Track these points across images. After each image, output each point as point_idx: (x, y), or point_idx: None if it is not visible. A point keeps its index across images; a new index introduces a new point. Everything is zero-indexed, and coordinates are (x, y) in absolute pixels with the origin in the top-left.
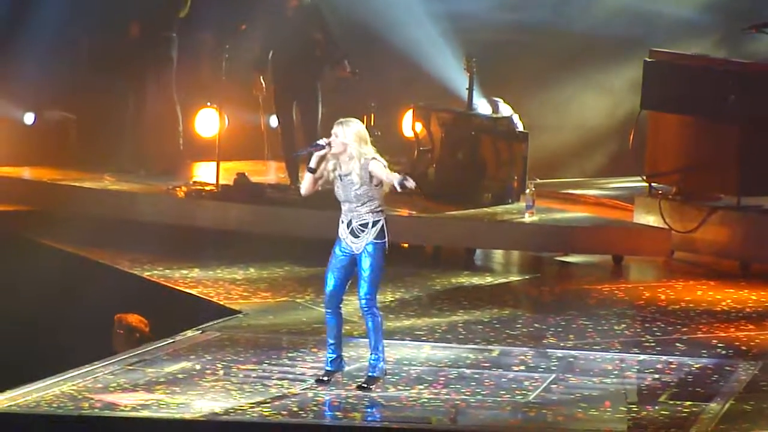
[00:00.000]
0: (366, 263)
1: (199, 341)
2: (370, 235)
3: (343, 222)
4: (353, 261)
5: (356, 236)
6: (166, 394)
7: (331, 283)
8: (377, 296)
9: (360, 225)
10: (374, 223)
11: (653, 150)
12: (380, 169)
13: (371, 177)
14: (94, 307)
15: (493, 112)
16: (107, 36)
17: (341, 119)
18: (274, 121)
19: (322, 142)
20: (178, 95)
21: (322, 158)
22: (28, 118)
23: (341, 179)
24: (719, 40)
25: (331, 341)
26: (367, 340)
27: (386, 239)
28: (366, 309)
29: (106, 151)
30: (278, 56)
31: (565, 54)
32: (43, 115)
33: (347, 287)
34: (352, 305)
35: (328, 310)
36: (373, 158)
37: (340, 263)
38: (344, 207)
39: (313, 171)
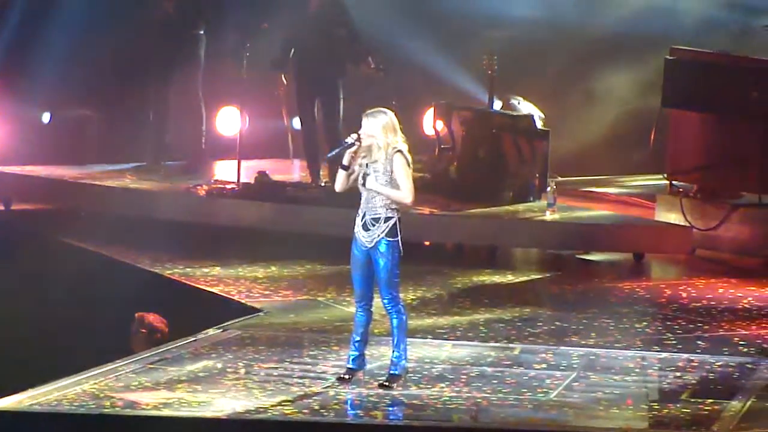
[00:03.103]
0: (381, 263)
1: (221, 340)
2: (381, 230)
3: (358, 215)
4: (370, 259)
5: (367, 229)
6: (188, 392)
7: (356, 282)
8: (400, 294)
9: (372, 218)
10: (386, 219)
11: (674, 148)
12: (400, 167)
13: (392, 168)
14: (115, 306)
15: (510, 111)
16: (132, 34)
17: (369, 111)
18: (297, 122)
19: (350, 139)
20: (202, 93)
21: (354, 154)
22: (45, 116)
23: (368, 167)
24: (740, 38)
25: (357, 338)
26: (388, 338)
27: (399, 238)
28: (389, 308)
29: (127, 149)
30: (300, 54)
31: (585, 52)
32: (62, 114)
33: (375, 284)
34: (375, 303)
35: (357, 309)
36: (399, 151)
37: (359, 262)
38: (363, 198)
39: (345, 168)
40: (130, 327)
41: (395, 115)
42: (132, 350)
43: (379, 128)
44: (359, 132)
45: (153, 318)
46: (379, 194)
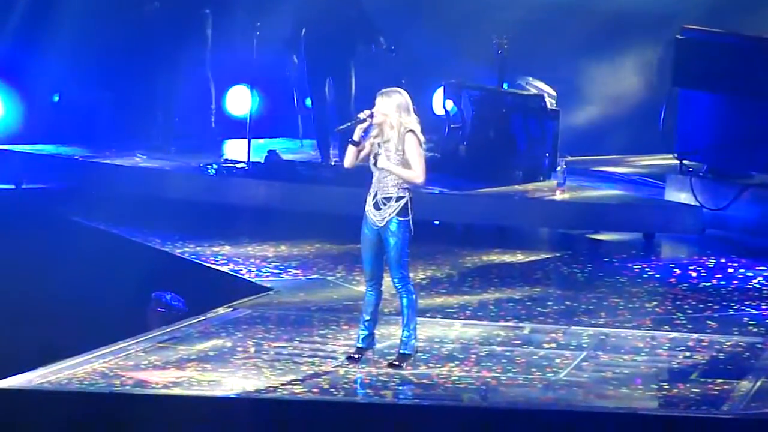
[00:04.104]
0: (391, 242)
1: (230, 318)
2: (392, 209)
3: (370, 194)
4: (380, 238)
5: (378, 209)
6: (198, 371)
7: (367, 262)
8: (410, 274)
9: (384, 198)
10: (398, 198)
11: (685, 127)
12: (412, 147)
13: (404, 148)
14: (125, 285)
15: (520, 91)
16: (139, 14)
17: (383, 90)
18: (308, 102)
19: (363, 114)
20: (211, 73)
21: (364, 130)
22: (56, 96)
23: (380, 146)
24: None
25: (366, 317)
26: (398, 317)
27: (410, 217)
28: (399, 287)
29: (137, 128)
30: (311, 34)
31: (597, 31)
32: (72, 93)
33: (385, 263)
34: (385, 283)
35: (368, 288)
36: (411, 130)
37: (369, 242)
38: (374, 177)
39: (356, 144)
40: (147, 306)
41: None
42: (148, 329)
43: (392, 107)
44: (372, 109)
45: (170, 297)
46: (391, 173)
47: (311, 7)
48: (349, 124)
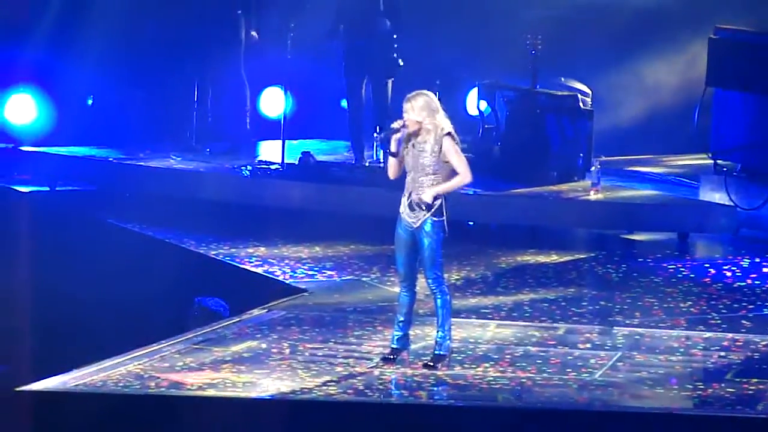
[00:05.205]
0: (426, 243)
1: (265, 320)
2: (427, 210)
3: (404, 195)
4: (414, 239)
5: (413, 210)
6: (233, 373)
7: (400, 262)
8: (444, 274)
9: (419, 198)
10: (434, 199)
11: (719, 127)
12: (452, 150)
13: (441, 149)
14: (160, 287)
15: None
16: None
17: (408, 95)
18: (343, 102)
19: (396, 125)
20: (246, 74)
21: (398, 139)
22: (90, 99)
23: (413, 147)
24: None
25: (401, 318)
26: (433, 318)
27: (444, 217)
28: (434, 288)
29: (171, 130)
30: (349, 32)
31: (630, 31)
32: (106, 96)
33: (419, 265)
34: (419, 283)
35: (402, 289)
36: (449, 133)
37: (403, 242)
38: (408, 177)
39: (394, 154)
40: (189, 311)
41: (437, 96)
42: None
43: (423, 112)
44: (404, 119)
45: (213, 302)
46: (427, 176)
47: (350, 4)
48: (382, 134)
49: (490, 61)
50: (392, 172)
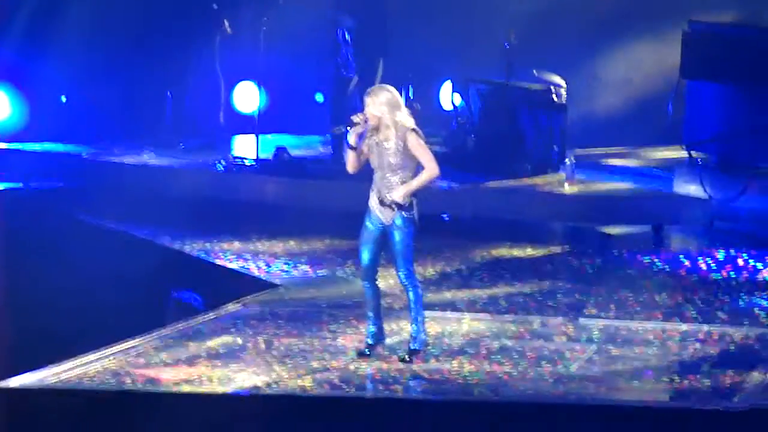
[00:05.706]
0: (397, 237)
1: (240, 315)
2: (399, 209)
3: (373, 191)
4: (384, 233)
5: (384, 205)
6: (208, 368)
7: (365, 257)
8: (415, 268)
9: (389, 194)
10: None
11: (692, 119)
12: (417, 145)
13: (406, 146)
14: (134, 282)
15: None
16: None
17: (370, 89)
18: (318, 97)
19: (356, 118)
20: (221, 69)
21: (359, 134)
22: (63, 96)
23: (377, 146)
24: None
25: (370, 313)
26: (407, 312)
27: (415, 211)
28: (406, 282)
29: (145, 126)
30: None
31: (604, 23)
32: (80, 92)
33: (381, 259)
34: (393, 278)
35: (365, 283)
36: (413, 130)
37: (371, 236)
38: (376, 175)
39: (353, 147)
40: (166, 305)
41: (411, 89)
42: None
43: (384, 107)
44: (364, 112)
45: (187, 296)
46: (395, 173)
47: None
48: (342, 128)
49: (464, 54)
50: (351, 166)
